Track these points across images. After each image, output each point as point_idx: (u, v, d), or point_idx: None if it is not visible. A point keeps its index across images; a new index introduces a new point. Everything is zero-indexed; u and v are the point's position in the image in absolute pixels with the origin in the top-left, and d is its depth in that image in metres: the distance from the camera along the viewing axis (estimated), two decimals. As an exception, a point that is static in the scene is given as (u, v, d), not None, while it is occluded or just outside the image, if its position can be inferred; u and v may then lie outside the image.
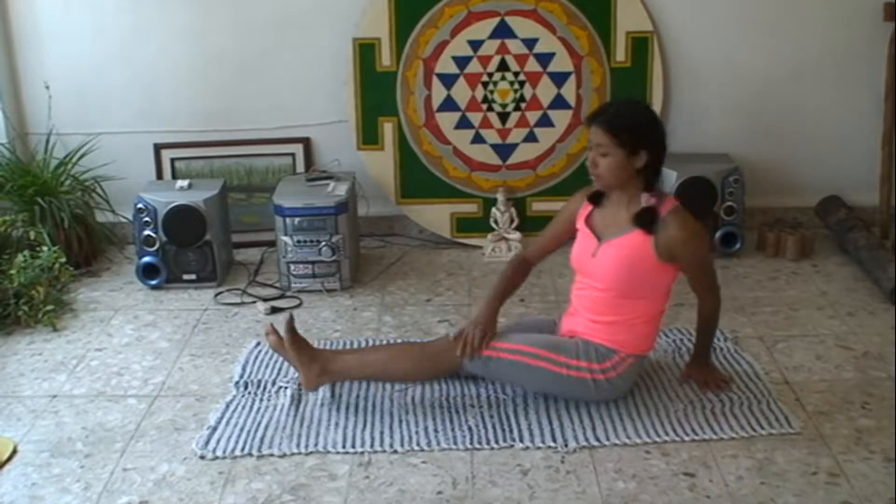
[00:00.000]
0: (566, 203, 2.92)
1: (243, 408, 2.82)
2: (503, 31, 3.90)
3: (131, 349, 3.24)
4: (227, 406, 2.83)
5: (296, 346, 2.79)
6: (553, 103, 3.96)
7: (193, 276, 3.71)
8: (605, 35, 3.90)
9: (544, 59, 3.92)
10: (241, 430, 2.70)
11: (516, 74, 3.94)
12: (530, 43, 3.91)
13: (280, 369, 3.02)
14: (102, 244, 4.03)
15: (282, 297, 3.62)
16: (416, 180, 4.04)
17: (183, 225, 3.64)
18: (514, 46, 3.91)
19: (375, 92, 3.96)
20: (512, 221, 3.99)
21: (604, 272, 2.68)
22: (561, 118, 3.97)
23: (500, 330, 2.82)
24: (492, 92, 3.96)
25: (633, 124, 2.59)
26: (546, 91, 3.95)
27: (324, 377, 2.78)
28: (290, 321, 2.81)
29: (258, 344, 3.20)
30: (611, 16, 3.89)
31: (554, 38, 3.90)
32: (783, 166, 4.09)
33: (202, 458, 2.58)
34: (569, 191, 3.91)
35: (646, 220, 2.61)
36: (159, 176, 4.08)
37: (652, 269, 2.64)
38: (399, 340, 3.21)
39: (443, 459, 2.56)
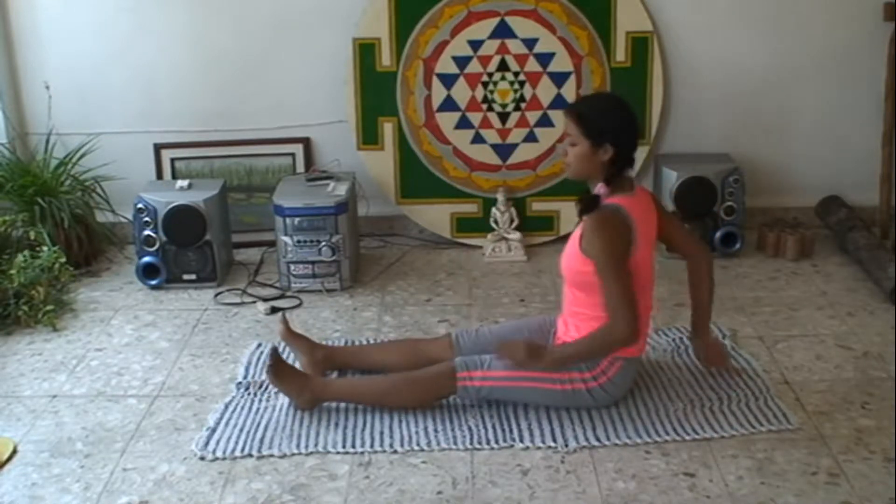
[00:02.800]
0: None
1: (242, 408, 2.82)
2: (503, 31, 3.90)
3: (131, 349, 3.24)
4: (227, 407, 2.83)
5: (294, 340, 2.99)
6: (553, 103, 3.96)
7: (193, 276, 3.71)
8: (605, 35, 3.90)
9: (544, 59, 3.92)
10: (241, 430, 2.70)
11: (516, 74, 3.94)
12: (530, 43, 3.91)
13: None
14: (102, 244, 4.03)
15: (282, 297, 3.61)
16: (416, 180, 4.04)
17: (183, 225, 3.64)
18: (514, 46, 3.91)
19: (375, 92, 3.96)
20: (512, 221, 3.99)
21: (563, 263, 2.75)
22: (561, 118, 3.95)
23: (495, 345, 2.80)
24: (492, 92, 3.96)
25: (601, 116, 2.61)
26: (546, 91, 3.95)
27: (316, 403, 2.80)
28: (284, 317, 3.04)
29: (260, 345, 3.21)
30: (611, 16, 3.88)
31: (554, 38, 3.90)
32: (783, 166, 4.09)
33: (202, 458, 2.58)
34: (568, 191, 3.94)
35: (585, 205, 2.65)
36: (159, 176, 4.08)
37: (579, 260, 2.65)
38: (394, 337, 3.21)
39: (443, 459, 2.56)
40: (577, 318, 2.73)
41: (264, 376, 2.87)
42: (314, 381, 2.82)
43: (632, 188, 2.67)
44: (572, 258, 2.68)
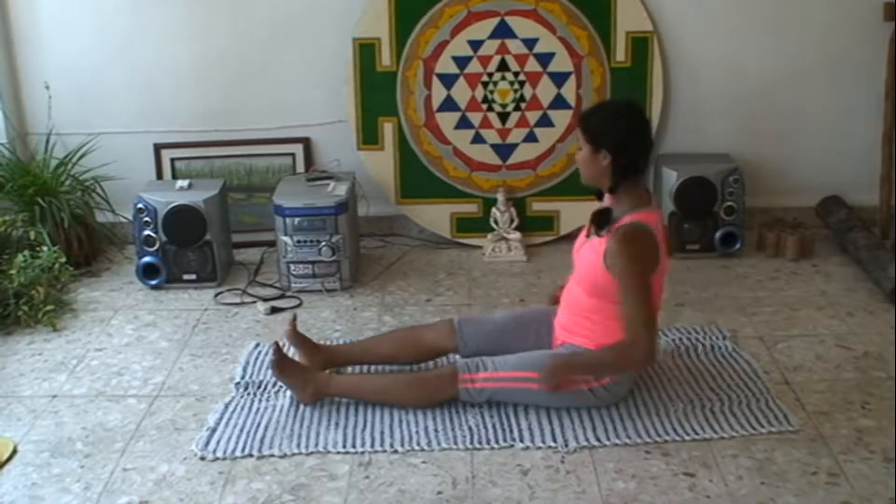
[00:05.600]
0: None
1: (242, 408, 2.82)
2: (503, 31, 3.90)
3: (131, 349, 3.24)
4: (227, 407, 2.83)
5: (299, 340, 2.97)
6: (553, 103, 3.96)
7: (193, 276, 3.71)
8: (605, 35, 3.90)
9: (544, 59, 3.92)
10: (241, 430, 2.70)
11: (516, 74, 3.94)
12: (530, 43, 3.91)
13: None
14: (102, 244, 4.04)
15: (282, 297, 3.61)
16: (416, 180, 4.04)
17: (183, 225, 3.64)
18: (514, 46, 3.91)
19: (375, 92, 3.96)
20: (512, 221, 3.99)
21: (580, 269, 2.72)
22: (561, 118, 3.97)
23: (494, 345, 2.83)
24: (492, 92, 3.96)
25: (599, 123, 2.61)
26: (546, 91, 3.95)
27: (318, 396, 2.83)
28: (293, 319, 3.01)
29: (258, 345, 3.21)
30: (611, 16, 3.88)
31: (554, 38, 3.90)
32: (783, 166, 4.09)
33: (202, 458, 2.59)
34: (569, 191, 3.94)
35: (598, 220, 2.64)
36: (159, 176, 4.08)
37: (601, 274, 2.60)
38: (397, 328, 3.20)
39: (443, 459, 2.56)
40: (589, 321, 2.69)
41: (267, 371, 2.91)
42: (318, 376, 2.84)
43: (650, 202, 2.64)
44: (594, 269, 2.62)
